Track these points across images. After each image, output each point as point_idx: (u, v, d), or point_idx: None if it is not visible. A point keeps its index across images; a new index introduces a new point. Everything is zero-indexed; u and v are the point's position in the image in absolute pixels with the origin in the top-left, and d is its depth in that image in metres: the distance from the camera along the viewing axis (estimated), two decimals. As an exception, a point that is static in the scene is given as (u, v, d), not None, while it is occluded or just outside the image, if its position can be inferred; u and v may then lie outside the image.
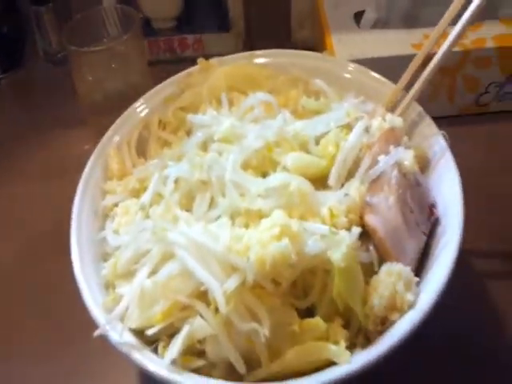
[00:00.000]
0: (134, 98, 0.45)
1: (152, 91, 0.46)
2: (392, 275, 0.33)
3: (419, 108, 0.42)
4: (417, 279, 0.33)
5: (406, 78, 0.42)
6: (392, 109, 0.42)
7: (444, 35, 0.40)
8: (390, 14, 0.57)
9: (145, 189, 0.40)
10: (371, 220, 0.35)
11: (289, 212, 0.34)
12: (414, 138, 0.41)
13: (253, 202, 0.35)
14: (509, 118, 0.56)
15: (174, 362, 0.32)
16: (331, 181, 0.36)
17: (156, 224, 0.34)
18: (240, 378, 0.32)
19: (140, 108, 0.45)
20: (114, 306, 0.34)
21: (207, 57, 0.47)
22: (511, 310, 0.43)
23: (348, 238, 0.32)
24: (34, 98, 0.62)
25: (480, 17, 0.50)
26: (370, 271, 0.34)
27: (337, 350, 0.31)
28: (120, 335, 0.32)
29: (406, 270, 0.33)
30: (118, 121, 0.44)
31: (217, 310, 0.31)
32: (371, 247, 0.34)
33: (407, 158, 0.37)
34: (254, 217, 0.35)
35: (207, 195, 0.37)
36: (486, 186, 0.50)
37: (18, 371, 0.43)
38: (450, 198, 0.37)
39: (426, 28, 0.52)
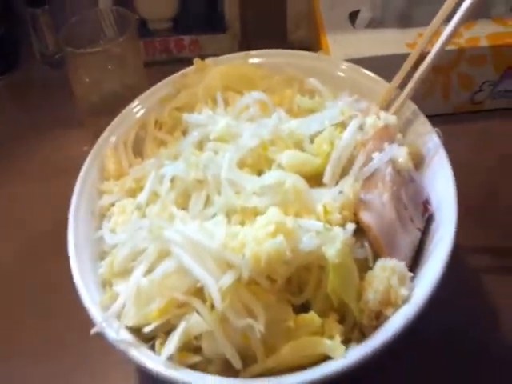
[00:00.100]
0: (131, 99, 0.46)
1: (148, 92, 0.46)
2: (386, 270, 0.33)
3: (413, 106, 0.42)
4: (411, 274, 0.34)
5: (400, 76, 0.43)
6: (386, 107, 0.42)
7: (437, 34, 0.41)
8: (385, 14, 0.57)
9: (141, 188, 0.40)
10: (365, 217, 0.35)
11: (284, 209, 0.34)
12: (409, 136, 0.41)
13: (248, 199, 0.35)
14: (503, 116, 0.56)
15: (170, 359, 0.32)
16: (326, 178, 0.37)
17: (152, 222, 0.35)
18: (236, 373, 0.32)
19: (136, 108, 0.45)
20: (111, 304, 0.34)
21: (203, 57, 0.47)
22: (505, 304, 0.43)
23: (342, 234, 0.33)
24: (31, 100, 0.63)
25: (473, 16, 0.51)
26: (364, 267, 0.34)
27: (332, 344, 0.31)
28: (117, 333, 0.33)
29: (400, 266, 0.33)
30: (115, 121, 0.44)
31: (213, 306, 0.31)
32: (366, 243, 0.35)
33: (401, 155, 0.37)
34: (250, 214, 0.35)
35: (203, 194, 0.37)
36: (479, 182, 0.51)
37: (18, 371, 0.43)
38: (443, 194, 0.37)
39: (420, 27, 0.53)
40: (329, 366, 0.31)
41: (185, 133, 0.43)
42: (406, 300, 0.33)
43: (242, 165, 0.38)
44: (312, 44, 0.61)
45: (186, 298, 0.32)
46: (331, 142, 0.38)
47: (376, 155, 0.37)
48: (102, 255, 0.38)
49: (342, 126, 0.39)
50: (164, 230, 0.34)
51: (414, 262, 0.36)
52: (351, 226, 0.33)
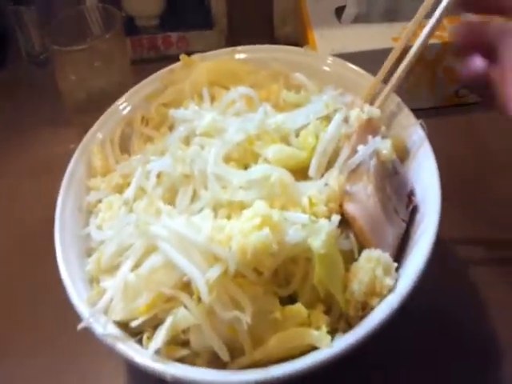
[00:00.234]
0: (117, 97, 0.46)
1: (134, 88, 0.46)
2: (371, 261, 0.33)
3: (398, 99, 0.42)
4: (396, 264, 0.34)
5: (384, 70, 0.43)
6: (371, 101, 0.43)
7: (421, 27, 0.41)
8: (371, 9, 0.57)
9: (128, 185, 0.40)
10: (350, 208, 0.35)
11: (270, 203, 0.35)
12: (393, 129, 0.42)
13: (235, 193, 0.36)
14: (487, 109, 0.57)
15: (158, 352, 0.32)
16: (311, 171, 0.37)
17: (139, 218, 0.35)
18: (224, 365, 0.32)
19: (123, 105, 0.45)
20: (99, 300, 0.34)
21: (191, 54, 0.47)
22: (493, 293, 0.44)
23: (327, 225, 0.33)
24: (18, 99, 0.62)
25: (456, 10, 0.52)
26: (350, 258, 0.35)
27: (318, 334, 0.32)
28: (104, 327, 0.33)
29: (384, 256, 0.34)
30: (101, 118, 0.44)
31: (200, 299, 0.32)
32: (351, 235, 0.35)
33: (385, 147, 0.38)
34: (236, 208, 0.35)
35: (190, 188, 0.37)
36: (465, 174, 0.51)
37: (8, 370, 0.43)
38: (427, 185, 0.38)
39: (406, 22, 0.53)
40: (315, 356, 0.31)
41: (171, 128, 0.43)
42: (390, 290, 0.33)
43: (228, 159, 0.38)
44: (298, 39, 0.61)
45: (173, 292, 0.33)
46: (316, 135, 0.38)
47: (360, 148, 0.37)
48: (90, 252, 0.38)
49: (327, 119, 0.39)
50: (150, 225, 0.34)
51: (399, 253, 0.36)
52: (336, 218, 0.34)
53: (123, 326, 0.34)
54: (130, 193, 0.39)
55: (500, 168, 0.52)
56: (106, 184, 0.41)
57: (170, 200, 0.38)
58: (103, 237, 0.37)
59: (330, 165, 0.38)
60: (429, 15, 0.41)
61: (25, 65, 0.65)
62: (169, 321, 0.32)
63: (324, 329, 0.32)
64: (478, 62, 0.36)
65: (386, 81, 0.43)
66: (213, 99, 0.44)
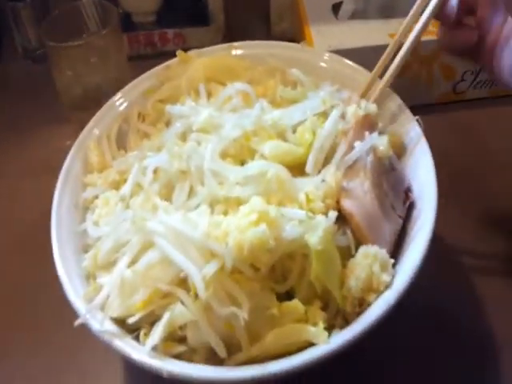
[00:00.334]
0: (114, 93, 0.46)
1: (131, 84, 0.46)
2: (368, 257, 0.33)
3: (395, 96, 0.42)
4: (392, 261, 0.34)
5: (380, 65, 0.43)
6: (368, 96, 0.42)
7: (417, 22, 0.41)
8: (368, 5, 0.57)
9: (125, 181, 0.40)
10: (347, 205, 0.35)
11: (267, 199, 0.35)
12: (390, 125, 0.42)
13: (231, 189, 0.35)
14: (485, 105, 0.57)
15: (155, 349, 0.32)
16: (308, 168, 0.37)
17: (135, 214, 0.35)
18: (221, 362, 0.32)
19: (119, 101, 0.45)
20: (96, 296, 0.34)
21: (187, 50, 0.47)
22: (490, 290, 0.44)
23: (324, 222, 0.33)
24: (14, 95, 0.62)
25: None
26: (347, 254, 0.34)
27: (315, 331, 0.32)
28: (101, 324, 0.33)
29: (381, 252, 0.34)
30: (98, 114, 0.44)
31: (196, 296, 0.32)
32: (348, 231, 0.35)
33: (382, 143, 0.38)
34: (233, 204, 0.35)
35: (186, 184, 0.37)
36: (462, 171, 0.51)
37: (6, 370, 0.43)
38: (424, 182, 0.38)
39: (402, 18, 0.53)
40: (312, 352, 0.31)
41: (168, 124, 0.43)
42: (387, 286, 0.33)
43: (224, 155, 0.38)
44: (295, 36, 0.61)
45: (169, 288, 0.32)
46: (313, 131, 0.38)
47: (357, 144, 0.37)
48: (86, 248, 0.38)
49: (324, 115, 0.39)
50: (147, 221, 0.34)
51: (396, 249, 0.36)
52: (333, 214, 0.34)
53: (120, 322, 0.34)
54: (126, 189, 0.39)
55: (497, 164, 0.52)
56: (103, 180, 0.41)
57: (167, 196, 0.38)
58: (100, 233, 0.37)
59: (326, 161, 0.38)
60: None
61: (21, 61, 0.65)
62: (166, 317, 0.32)
63: (321, 325, 0.32)
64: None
65: (381, 76, 0.43)
66: (209, 95, 0.44)
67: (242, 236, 0.32)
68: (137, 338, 0.33)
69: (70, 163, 0.41)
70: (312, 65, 0.45)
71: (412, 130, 0.41)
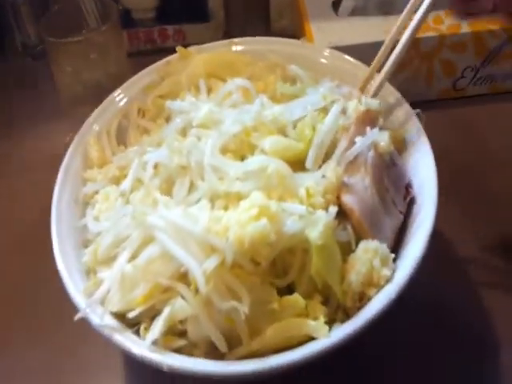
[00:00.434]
0: (113, 89, 0.45)
1: (131, 80, 0.46)
2: (369, 252, 0.33)
3: (395, 92, 0.42)
4: (393, 255, 0.34)
5: (379, 58, 0.43)
6: (366, 91, 0.42)
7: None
8: (367, 2, 0.57)
9: (125, 176, 0.40)
10: (348, 200, 0.35)
11: (267, 194, 0.34)
12: (391, 120, 0.42)
13: (231, 184, 0.35)
14: (485, 102, 0.57)
15: (155, 343, 0.32)
16: (308, 163, 0.37)
17: (135, 208, 0.35)
18: (221, 356, 0.32)
19: (119, 97, 0.45)
20: (96, 290, 0.34)
21: (187, 47, 0.47)
22: (487, 286, 0.44)
23: (325, 217, 0.33)
24: (14, 92, 0.62)
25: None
26: (347, 250, 0.34)
27: (316, 325, 0.32)
28: (101, 318, 0.33)
29: (382, 247, 0.34)
30: (98, 110, 0.44)
31: (197, 290, 0.32)
32: (348, 226, 0.35)
33: (383, 138, 0.38)
34: (233, 199, 0.35)
35: (187, 180, 0.37)
36: (462, 168, 0.51)
37: (8, 363, 0.43)
38: (424, 177, 0.38)
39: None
40: (313, 346, 0.31)
41: (168, 120, 0.43)
42: (388, 280, 0.33)
43: (224, 151, 0.38)
44: (295, 33, 0.61)
45: (170, 282, 0.32)
46: (313, 127, 0.38)
47: (358, 139, 0.37)
48: (86, 243, 0.38)
49: (325, 111, 0.39)
50: (147, 215, 0.34)
51: (396, 244, 0.36)
52: (334, 209, 0.34)
53: (120, 317, 0.34)
54: (126, 184, 0.39)
55: (497, 161, 0.52)
56: (103, 175, 0.41)
57: (167, 191, 0.38)
58: (100, 228, 0.37)
59: (327, 156, 0.38)
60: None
61: (20, 57, 0.65)
62: (166, 311, 0.32)
63: (322, 319, 0.32)
64: None
65: (379, 71, 0.43)
66: (209, 91, 0.44)
67: (243, 230, 0.32)
68: (137, 333, 0.33)
69: (70, 159, 0.41)
70: (312, 61, 0.45)
71: (413, 126, 0.41)
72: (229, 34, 0.64)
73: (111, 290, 0.34)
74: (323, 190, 0.35)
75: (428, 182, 0.37)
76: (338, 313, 0.34)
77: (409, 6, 0.41)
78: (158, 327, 0.32)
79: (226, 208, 0.35)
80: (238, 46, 0.48)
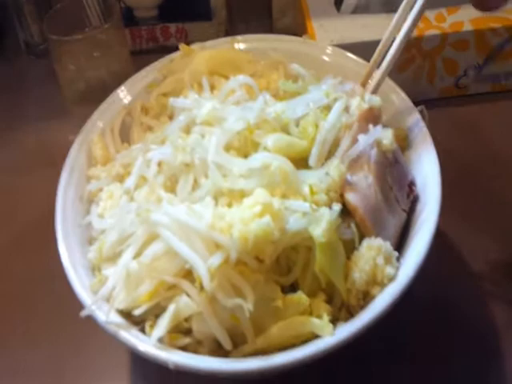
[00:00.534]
0: (117, 87, 0.46)
1: (134, 78, 0.46)
2: (372, 250, 0.33)
3: (398, 90, 0.42)
4: (397, 253, 0.34)
5: (379, 55, 0.43)
6: (367, 87, 0.42)
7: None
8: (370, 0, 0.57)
9: (129, 174, 0.40)
10: (351, 198, 0.35)
11: (271, 191, 0.35)
12: (394, 118, 0.42)
13: (235, 182, 0.35)
14: (487, 100, 0.57)
15: (160, 341, 0.32)
16: (311, 161, 0.37)
17: (140, 206, 0.35)
18: (226, 354, 0.32)
19: (122, 94, 0.45)
20: (101, 287, 0.34)
21: (190, 45, 0.47)
22: (491, 283, 0.44)
23: (328, 214, 0.33)
24: (17, 90, 0.62)
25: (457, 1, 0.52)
26: (351, 247, 0.35)
27: (320, 323, 0.32)
28: (107, 315, 0.33)
29: (386, 245, 0.34)
30: (101, 108, 0.44)
31: (202, 287, 0.32)
32: (352, 224, 0.35)
33: (386, 136, 0.38)
34: (237, 196, 0.35)
35: (190, 177, 0.37)
36: (464, 166, 0.51)
37: (7, 360, 0.43)
38: (428, 175, 0.38)
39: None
40: (317, 345, 0.31)
41: (171, 117, 0.43)
42: (391, 279, 0.33)
43: (228, 148, 0.38)
44: (298, 31, 0.61)
45: (175, 280, 0.33)
46: (316, 124, 0.38)
47: (361, 137, 0.37)
48: (91, 241, 0.38)
49: (327, 108, 0.39)
50: (152, 212, 0.34)
51: (400, 242, 0.36)
52: (337, 207, 0.34)
53: (126, 314, 0.34)
54: (130, 181, 0.39)
55: (501, 159, 0.52)
56: (107, 173, 0.41)
57: (171, 189, 0.38)
58: (104, 225, 0.37)
59: (330, 154, 0.38)
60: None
61: (23, 55, 0.65)
62: (171, 309, 0.32)
63: (326, 317, 0.32)
64: None
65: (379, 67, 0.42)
66: (212, 88, 0.44)
67: (247, 228, 0.32)
68: (142, 330, 0.33)
69: (74, 156, 0.41)
70: (314, 58, 0.46)
71: (416, 124, 0.41)
72: (231, 31, 0.64)
73: (116, 287, 0.34)
74: (326, 187, 0.35)
75: (431, 179, 0.37)
76: (341, 311, 0.34)
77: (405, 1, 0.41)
78: (163, 325, 0.32)
79: (229, 205, 0.35)
80: (240, 43, 0.48)
